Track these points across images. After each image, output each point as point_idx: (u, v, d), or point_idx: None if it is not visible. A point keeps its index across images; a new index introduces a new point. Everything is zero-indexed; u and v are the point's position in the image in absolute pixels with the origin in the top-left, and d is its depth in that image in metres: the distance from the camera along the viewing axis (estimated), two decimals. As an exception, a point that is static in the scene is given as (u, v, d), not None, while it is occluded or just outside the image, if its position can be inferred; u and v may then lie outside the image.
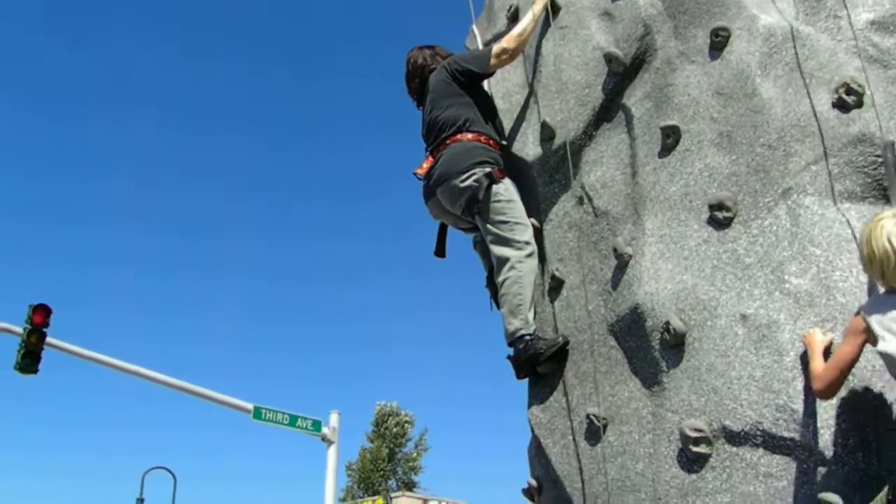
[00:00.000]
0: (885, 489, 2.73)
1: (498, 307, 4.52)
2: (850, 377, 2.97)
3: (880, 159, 3.41)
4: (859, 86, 3.53)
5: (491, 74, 4.98)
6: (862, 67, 3.63)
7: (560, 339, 4.17)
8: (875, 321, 2.76)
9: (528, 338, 4.22)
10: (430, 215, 4.94)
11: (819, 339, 3.06)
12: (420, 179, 4.88)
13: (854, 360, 2.84)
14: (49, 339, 13.21)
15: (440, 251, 5.04)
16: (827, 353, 3.00)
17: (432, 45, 5.23)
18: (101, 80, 76.37)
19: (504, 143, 4.91)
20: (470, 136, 4.67)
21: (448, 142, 4.70)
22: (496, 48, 4.82)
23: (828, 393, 2.91)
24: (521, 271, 4.36)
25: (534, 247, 4.47)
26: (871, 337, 2.77)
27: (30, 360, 12.99)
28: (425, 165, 4.83)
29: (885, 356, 2.74)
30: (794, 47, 3.75)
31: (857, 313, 2.87)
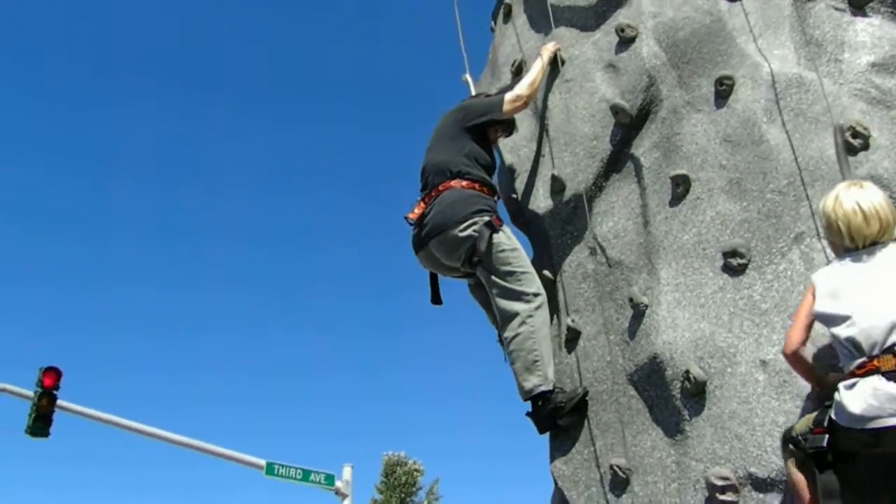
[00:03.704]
0: None
1: (511, 364, 4.33)
2: None
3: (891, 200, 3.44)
4: (864, 128, 3.57)
5: (503, 120, 4.90)
6: (865, 110, 3.69)
7: (580, 390, 4.14)
8: (820, 282, 2.98)
9: (546, 393, 4.15)
10: (420, 265, 4.79)
11: None
12: (411, 224, 4.69)
13: (808, 313, 3.03)
14: (60, 402, 13.16)
15: (436, 299, 4.90)
16: None
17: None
18: (112, 138, 76.93)
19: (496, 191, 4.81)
20: (465, 183, 4.55)
21: (440, 188, 4.57)
22: (510, 95, 4.80)
23: (789, 345, 3.08)
24: (534, 326, 4.23)
25: (544, 297, 4.35)
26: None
27: (41, 423, 12.91)
28: (417, 211, 4.66)
29: (817, 316, 2.96)
30: (799, 93, 3.81)
31: None
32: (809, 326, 3.06)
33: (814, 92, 3.80)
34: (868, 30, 4.01)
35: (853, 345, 2.76)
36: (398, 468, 30.89)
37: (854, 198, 2.97)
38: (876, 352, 2.70)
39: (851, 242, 2.96)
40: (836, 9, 4.09)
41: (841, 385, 2.75)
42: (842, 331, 2.81)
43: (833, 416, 2.78)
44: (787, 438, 3.03)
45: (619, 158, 4.48)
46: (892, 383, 2.62)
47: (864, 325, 2.76)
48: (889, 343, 2.69)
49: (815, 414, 2.93)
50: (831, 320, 2.88)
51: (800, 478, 2.95)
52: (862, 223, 2.93)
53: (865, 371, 2.70)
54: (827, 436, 2.79)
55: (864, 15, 4.09)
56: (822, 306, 2.92)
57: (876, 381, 2.65)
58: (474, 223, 4.38)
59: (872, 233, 2.93)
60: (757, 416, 3.34)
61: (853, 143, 3.56)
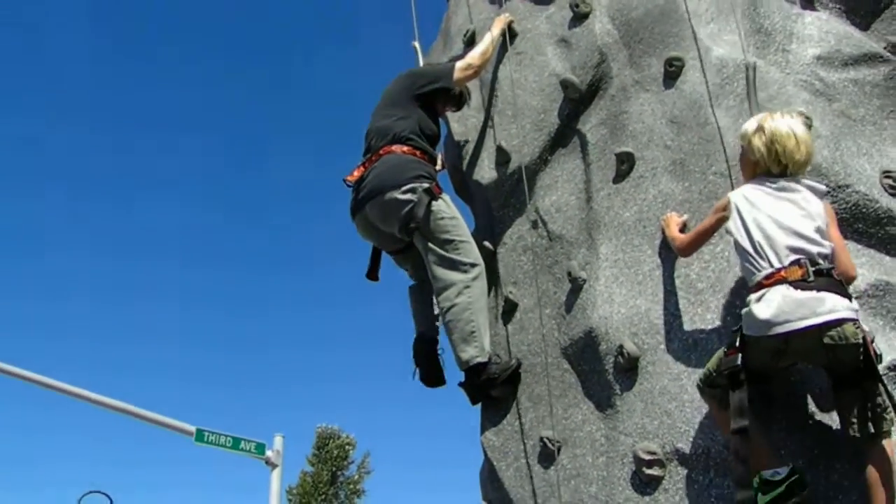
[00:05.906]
0: None
1: (447, 334, 4.27)
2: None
3: (828, 188, 3.49)
4: (807, 118, 3.62)
5: (454, 89, 4.82)
6: (809, 100, 3.74)
7: (513, 362, 4.15)
8: (737, 197, 3.16)
9: (482, 364, 4.13)
10: (357, 231, 4.66)
11: (676, 220, 3.65)
12: (349, 187, 4.58)
13: (711, 230, 3.35)
14: (-18, 360, 12.79)
15: (372, 274, 4.77)
16: (682, 230, 3.62)
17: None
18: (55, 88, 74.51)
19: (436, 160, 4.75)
20: (406, 148, 4.46)
21: (381, 152, 4.47)
22: (461, 63, 4.74)
23: (686, 250, 3.49)
24: (471, 296, 4.18)
25: (481, 267, 4.30)
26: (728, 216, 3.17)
27: (-39, 380, 12.57)
28: (356, 173, 4.54)
29: (729, 232, 3.15)
30: (745, 79, 3.84)
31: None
32: (699, 242, 3.41)
33: (760, 79, 3.83)
34: (816, 23, 4.07)
35: (761, 250, 2.94)
36: (330, 441, 30.82)
37: (788, 122, 3.15)
38: (785, 263, 2.88)
39: (778, 166, 3.13)
40: (787, 0, 4.14)
41: (751, 297, 2.91)
42: (753, 236, 2.99)
43: (744, 331, 2.90)
44: (704, 381, 3.13)
45: (565, 133, 4.48)
46: (799, 291, 2.80)
47: (774, 234, 2.95)
48: (795, 256, 2.88)
49: (723, 348, 3.04)
50: (746, 228, 3.04)
51: (723, 415, 3.03)
52: (794, 147, 3.10)
53: (773, 281, 2.87)
54: (740, 355, 2.89)
55: (813, 9, 4.15)
56: (736, 217, 3.10)
57: (784, 290, 2.82)
58: (413, 189, 4.29)
59: (800, 160, 3.11)
60: (687, 393, 3.38)
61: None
